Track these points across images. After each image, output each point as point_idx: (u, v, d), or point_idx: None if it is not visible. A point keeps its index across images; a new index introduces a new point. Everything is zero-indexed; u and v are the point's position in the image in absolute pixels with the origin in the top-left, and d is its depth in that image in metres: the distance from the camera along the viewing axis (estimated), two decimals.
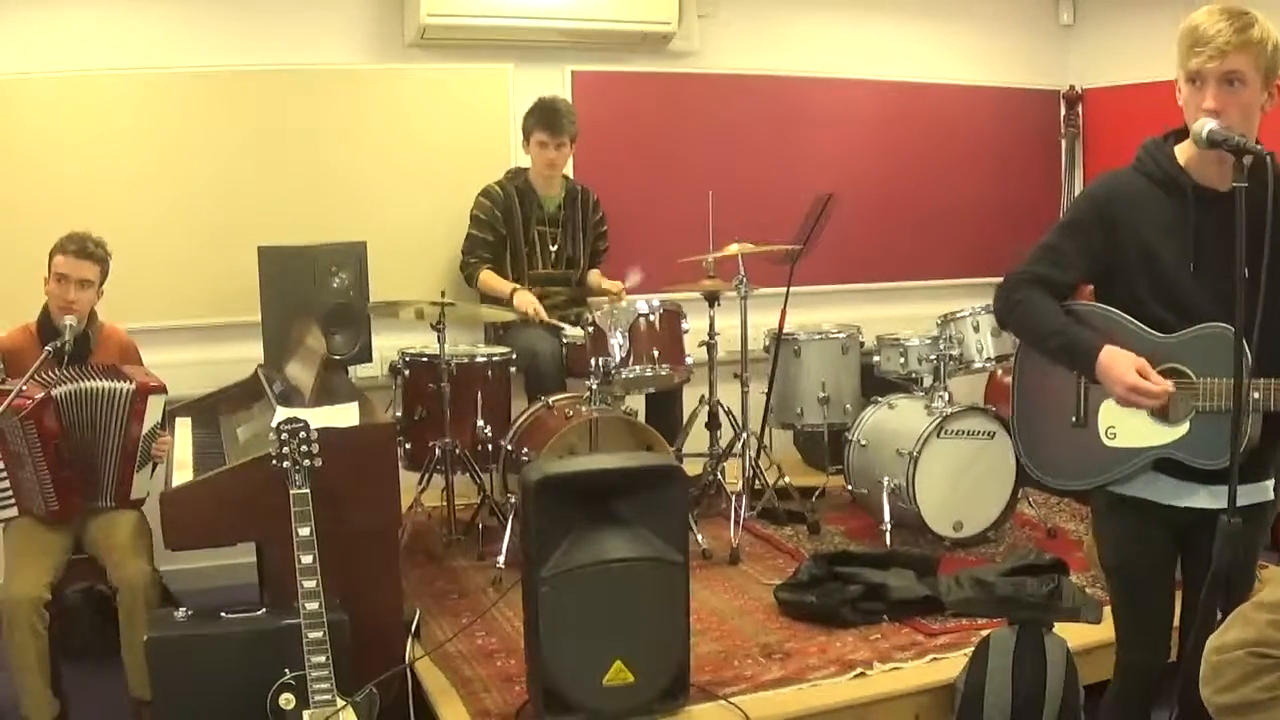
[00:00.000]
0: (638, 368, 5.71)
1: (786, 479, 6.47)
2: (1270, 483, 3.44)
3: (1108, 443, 3.49)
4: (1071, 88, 8.32)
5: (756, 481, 6.35)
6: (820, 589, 5.01)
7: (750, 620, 5.00)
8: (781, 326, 6.47)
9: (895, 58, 8.02)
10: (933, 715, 4.41)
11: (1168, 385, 3.28)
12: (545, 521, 3.97)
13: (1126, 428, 3.45)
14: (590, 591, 3.94)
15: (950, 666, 4.46)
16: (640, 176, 7.30)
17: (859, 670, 4.45)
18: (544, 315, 6.24)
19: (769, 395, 6.53)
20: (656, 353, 5.75)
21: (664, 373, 5.78)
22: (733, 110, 7.55)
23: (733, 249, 6.11)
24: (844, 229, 7.09)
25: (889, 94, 7.98)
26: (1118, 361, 3.32)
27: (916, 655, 4.60)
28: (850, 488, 6.31)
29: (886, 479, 5.84)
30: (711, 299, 6.15)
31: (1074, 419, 3.55)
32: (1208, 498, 3.30)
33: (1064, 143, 8.39)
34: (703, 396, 6.27)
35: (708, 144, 7.48)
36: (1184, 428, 3.35)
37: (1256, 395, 3.18)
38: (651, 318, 5.77)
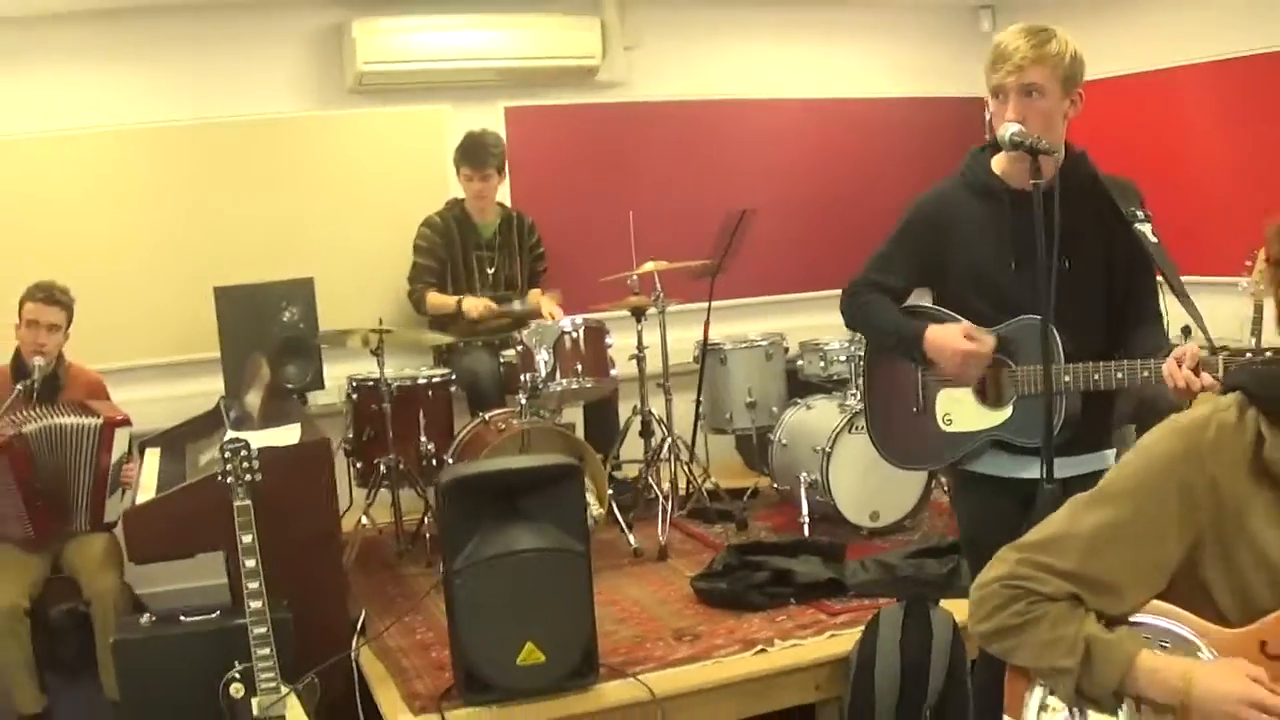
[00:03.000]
0: (564, 381, 6.08)
1: (714, 481, 6.87)
2: (1110, 452, 3.76)
3: (945, 428, 3.87)
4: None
5: (691, 485, 6.76)
6: (732, 576, 5.39)
7: (668, 608, 5.35)
8: (706, 337, 6.90)
9: (819, 76, 8.38)
10: (831, 685, 4.75)
11: (989, 338, 3.65)
12: (457, 518, 4.34)
13: (960, 414, 3.84)
14: (500, 580, 4.28)
15: (847, 641, 4.77)
16: (574, 202, 7.69)
17: (760, 647, 4.81)
18: (495, 307, 6.65)
19: (698, 403, 6.94)
20: (580, 367, 6.12)
21: (589, 385, 6.16)
22: (661, 135, 7.96)
23: (649, 267, 6.51)
24: (772, 242, 7.53)
25: (814, 111, 8.34)
26: (942, 335, 3.71)
27: (817, 632, 4.94)
28: (775, 485, 6.72)
29: (803, 474, 6.25)
30: (638, 314, 6.54)
31: (915, 408, 3.95)
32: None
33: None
34: (635, 407, 6.65)
35: (637, 168, 7.88)
36: (1008, 411, 3.73)
37: (1068, 379, 3.54)
38: (575, 334, 6.14)
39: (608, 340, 6.29)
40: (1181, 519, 2.46)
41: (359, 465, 6.33)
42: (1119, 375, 3.51)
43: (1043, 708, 2.59)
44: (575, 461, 4.57)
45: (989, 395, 3.78)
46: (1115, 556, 2.51)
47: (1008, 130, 3.46)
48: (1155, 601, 2.52)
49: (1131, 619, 2.53)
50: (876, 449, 4.20)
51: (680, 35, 7.99)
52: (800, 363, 6.96)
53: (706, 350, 6.94)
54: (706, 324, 6.89)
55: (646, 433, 6.63)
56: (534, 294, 7.15)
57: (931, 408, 3.92)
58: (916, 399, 3.95)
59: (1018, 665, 2.61)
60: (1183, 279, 3.55)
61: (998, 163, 3.70)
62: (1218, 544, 2.47)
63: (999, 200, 3.68)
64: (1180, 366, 3.29)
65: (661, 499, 6.36)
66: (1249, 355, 3.17)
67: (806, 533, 6.12)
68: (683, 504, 6.75)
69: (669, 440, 6.58)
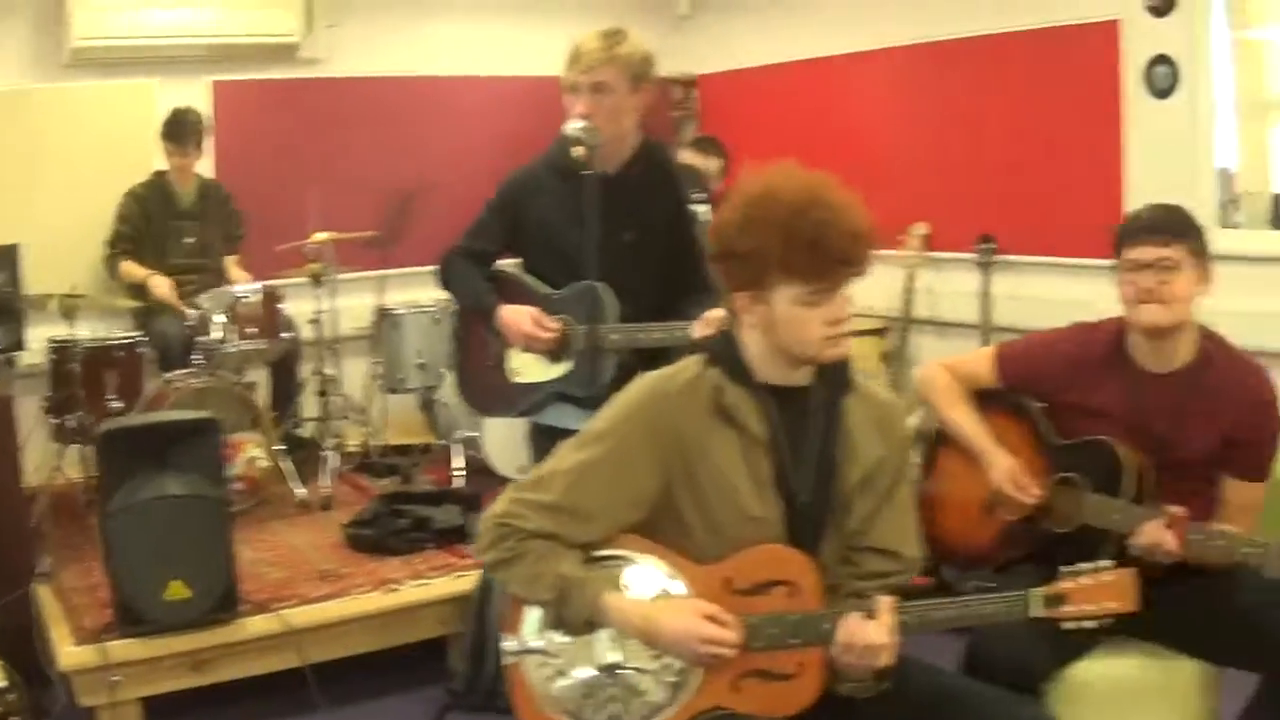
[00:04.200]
0: (239, 343, 6.59)
1: (384, 438, 7.58)
2: None
3: (514, 380, 4.50)
4: (685, 75, 9.40)
5: (365, 442, 7.47)
6: (377, 523, 6.00)
7: (319, 553, 5.89)
8: (381, 304, 7.58)
9: (513, 55, 8.81)
10: (455, 621, 5.40)
11: (556, 328, 4.26)
12: (112, 467, 4.85)
13: (526, 367, 4.46)
14: (149, 523, 4.75)
15: (470, 581, 5.37)
16: (273, 173, 8.13)
17: (391, 586, 5.45)
18: (174, 298, 7.06)
19: (375, 365, 7.60)
20: (254, 330, 6.62)
21: (262, 346, 6.68)
22: (357, 110, 8.45)
23: (320, 237, 7.14)
24: (453, 215, 7.75)
25: (504, 88, 8.82)
26: (514, 316, 4.30)
27: (446, 573, 5.58)
28: (440, 442, 7.38)
29: (458, 431, 6.96)
30: (317, 280, 7.12)
31: (490, 361, 4.55)
32: None
33: (678, 123, 9.47)
34: (313, 368, 7.28)
35: (333, 142, 8.35)
36: (568, 365, 4.34)
37: (616, 337, 4.17)
38: (249, 300, 6.64)
39: (279, 305, 6.80)
40: (651, 455, 2.91)
41: (55, 422, 6.73)
42: (658, 334, 4.14)
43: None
44: (212, 417, 5.11)
45: (552, 351, 4.38)
46: (592, 488, 2.94)
47: (569, 126, 4.10)
48: (641, 539, 3.02)
49: (614, 557, 3.00)
50: (461, 396, 4.87)
51: (381, 14, 8.46)
52: None
53: (383, 315, 7.53)
54: (381, 291, 7.58)
55: (323, 392, 7.24)
56: (229, 261, 7.59)
57: (503, 361, 4.53)
58: (491, 352, 4.55)
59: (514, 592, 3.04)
60: None
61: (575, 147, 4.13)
62: (686, 477, 2.93)
63: (573, 180, 4.15)
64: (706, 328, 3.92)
65: (329, 455, 6.93)
66: None
67: (464, 484, 6.81)
68: (359, 460, 7.40)
69: (335, 400, 7.24)
